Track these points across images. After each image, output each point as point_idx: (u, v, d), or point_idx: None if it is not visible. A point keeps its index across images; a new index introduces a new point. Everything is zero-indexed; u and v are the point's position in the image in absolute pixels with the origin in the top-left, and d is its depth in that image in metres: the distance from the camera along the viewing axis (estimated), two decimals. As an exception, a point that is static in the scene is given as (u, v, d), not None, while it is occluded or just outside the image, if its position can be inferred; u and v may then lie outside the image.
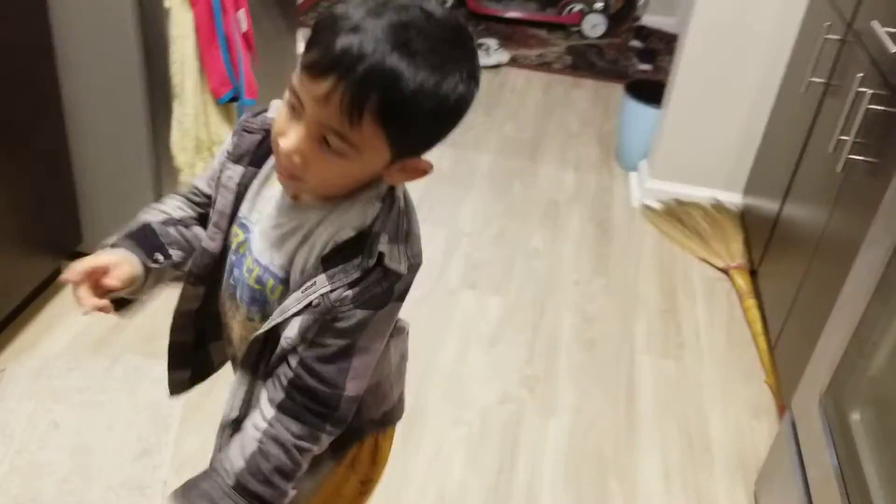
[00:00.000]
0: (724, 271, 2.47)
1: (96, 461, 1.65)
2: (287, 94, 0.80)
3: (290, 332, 0.87)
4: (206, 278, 0.99)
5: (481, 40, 3.84)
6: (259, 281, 0.92)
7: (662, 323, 2.25)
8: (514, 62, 3.84)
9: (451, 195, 2.76)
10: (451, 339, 2.11)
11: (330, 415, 0.89)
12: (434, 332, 2.12)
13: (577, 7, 4.17)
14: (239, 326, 0.98)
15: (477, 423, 1.86)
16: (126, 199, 2.01)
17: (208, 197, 1.00)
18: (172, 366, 1.09)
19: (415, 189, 0.90)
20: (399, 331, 1.05)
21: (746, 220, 2.61)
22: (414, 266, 0.88)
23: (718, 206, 2.71)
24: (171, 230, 0.99)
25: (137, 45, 1.80)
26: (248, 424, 0.90)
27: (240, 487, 0.87)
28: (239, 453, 0.88)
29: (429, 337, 2.09)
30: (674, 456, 1.83)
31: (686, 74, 2.61)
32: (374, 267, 0.84)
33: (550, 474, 1.76)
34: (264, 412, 0.89)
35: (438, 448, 1.79)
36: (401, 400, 1.13)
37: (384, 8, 0.76)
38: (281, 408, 0.88)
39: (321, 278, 0.85)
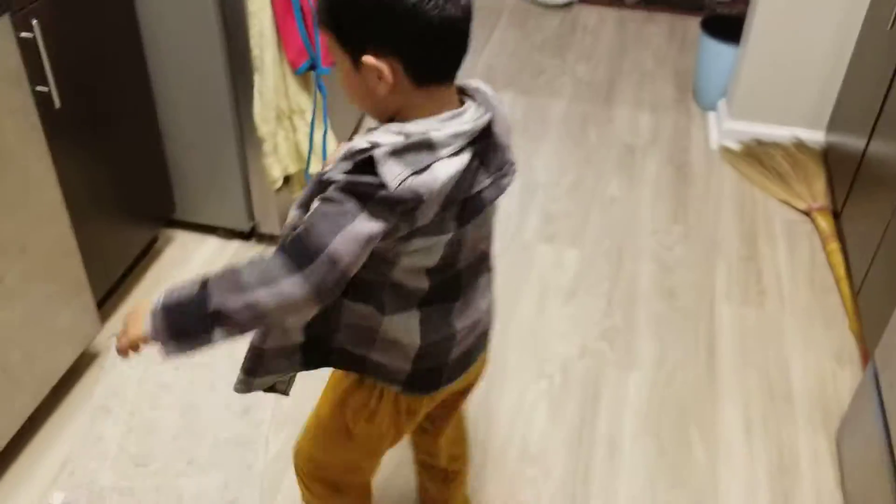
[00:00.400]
0: (807, 213, 2.43)
1: (203, 419, 1.78)
2: None
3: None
4: None
5: (551, -22, 3.77)
6: None
7: (743, 269, 2.24)
8: (585, -1, 3.77)
9: (525, 145, 2.76)
10: (529, 293, 2.15)
11: (305, 263, 0.93)
12: (512, 287, 2.16)
13: (650, -64, 4.03)
14: None
15: (558, 376, 1.91)
16: (214, 169, 2.11)
17: None
18: None
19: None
20: (395, 307, 1.06)
21: (830, 159, 2.54)
22: (405, 190, 0.91)
23: (800, 146, 2.65)
24: None
25: (218, 22, 1.86)
26: None
27: (201, 284, 0.99)
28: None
29: (506, 291, 2.14)
30: (755, 405, 1.85)
31: (766, 7, 2.52)
32: (368, 169, 0.91)
33: (631, 425, 1.81)
34: None
35: (521, 401, 1.85)
36: (400, 371, 1.13)
37: None
38: (275, 250, 0.97)
39: (330, 167, 0.97)
